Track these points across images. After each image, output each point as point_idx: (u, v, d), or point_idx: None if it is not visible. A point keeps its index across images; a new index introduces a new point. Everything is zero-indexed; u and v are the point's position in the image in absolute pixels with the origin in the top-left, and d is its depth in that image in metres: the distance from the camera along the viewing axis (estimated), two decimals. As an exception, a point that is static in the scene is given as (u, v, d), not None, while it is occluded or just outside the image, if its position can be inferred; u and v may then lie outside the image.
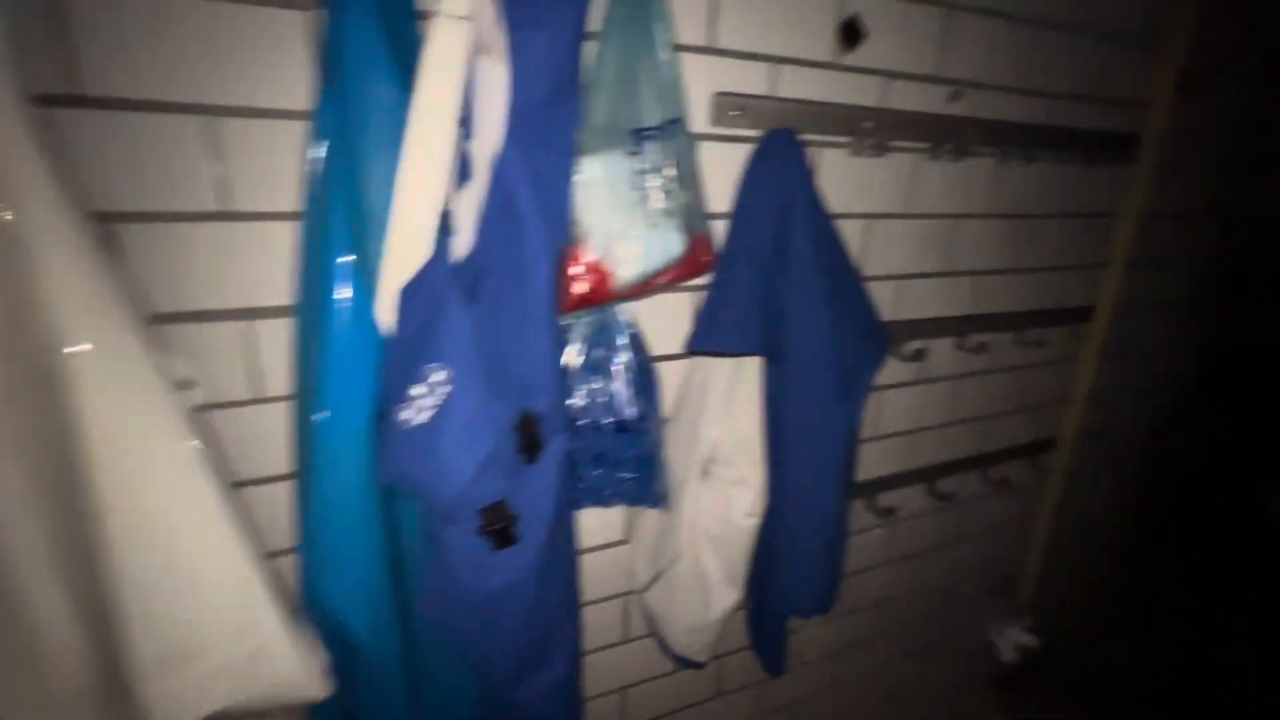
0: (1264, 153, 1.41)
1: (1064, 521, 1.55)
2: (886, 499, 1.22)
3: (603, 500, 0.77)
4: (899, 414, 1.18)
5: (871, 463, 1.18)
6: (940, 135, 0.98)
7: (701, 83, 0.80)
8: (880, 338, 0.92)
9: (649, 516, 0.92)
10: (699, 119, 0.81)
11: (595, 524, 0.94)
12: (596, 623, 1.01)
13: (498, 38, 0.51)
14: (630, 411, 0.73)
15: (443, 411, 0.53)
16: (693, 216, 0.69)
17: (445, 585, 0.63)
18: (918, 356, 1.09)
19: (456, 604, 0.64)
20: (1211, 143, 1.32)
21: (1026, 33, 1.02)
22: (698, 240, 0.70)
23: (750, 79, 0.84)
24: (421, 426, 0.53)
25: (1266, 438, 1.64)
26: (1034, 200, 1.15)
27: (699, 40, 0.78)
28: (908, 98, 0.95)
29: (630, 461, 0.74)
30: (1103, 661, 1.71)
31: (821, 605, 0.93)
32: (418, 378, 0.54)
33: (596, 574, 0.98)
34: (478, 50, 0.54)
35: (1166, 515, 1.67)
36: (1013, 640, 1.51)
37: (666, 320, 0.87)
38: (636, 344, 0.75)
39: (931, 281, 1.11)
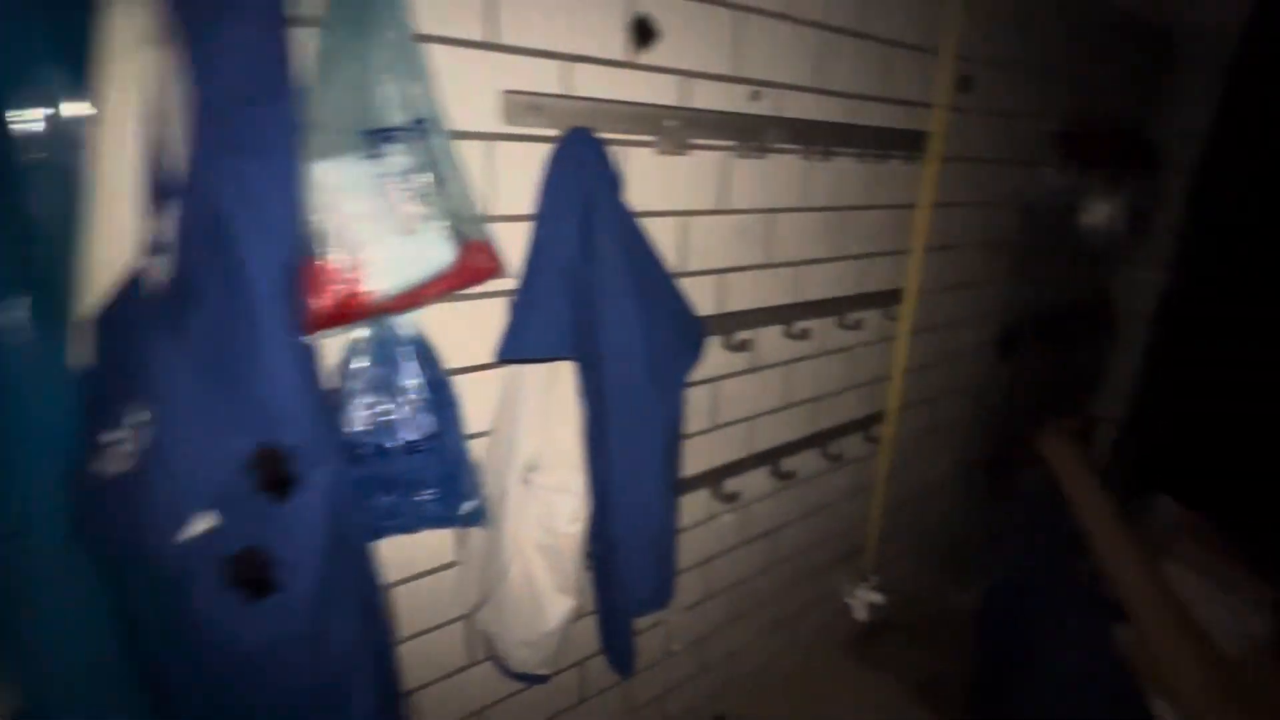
0: (1032, 147, 1.61)
1: (898, 486, 1.70)
2: (732, 485, 1.26)
3: (406, 526, 0.72)
4: (736, 402, 1.22)
5: (713, 451, 1.21)
6: (744, 133, 1.02)
7: (486, 80, 0.77)
8: (695, 332, 0.94)
9: (476, 534, 0.88)
10: (490, 118, 0.78)
11: (421, 548, 0.88)
12: (434, 651, 0.96)
13: (178, 26, 0.45)
14: (421, 430, 0.68)
15: (147, 457, 0.46)
16: (464, 222, 0.65)
17: (198, 650, 0.55)
18: (743, 346, 1.14)
19: (216, 669, 0.57)
20: (989, 137, 1.49)
21: (818, 36, 1.08)
22: (474, 246, 0.67)
23: (542, 77, 0.82)
24: (122, 476, 0.46)
25: (1050, 388, 1.91)
26: (840, 193, 1.23)
27: (476, 35, 0.75)
28: (710, 97, 0.98)
29: (430, 482, 0.70)
30: (945, 607, 1.90)
31: (657, 599, 0.94)
32: (116, 421, 0.46)
33: (428, 600, 0.92)
34: (164, 40, 0.47)
35: (985, 467, 1.89)
36: (864, 600, 1.64)
37: (472, 330, 0.83)
38: (426, 358, 0.70)
39: (753, 273, 1.15)
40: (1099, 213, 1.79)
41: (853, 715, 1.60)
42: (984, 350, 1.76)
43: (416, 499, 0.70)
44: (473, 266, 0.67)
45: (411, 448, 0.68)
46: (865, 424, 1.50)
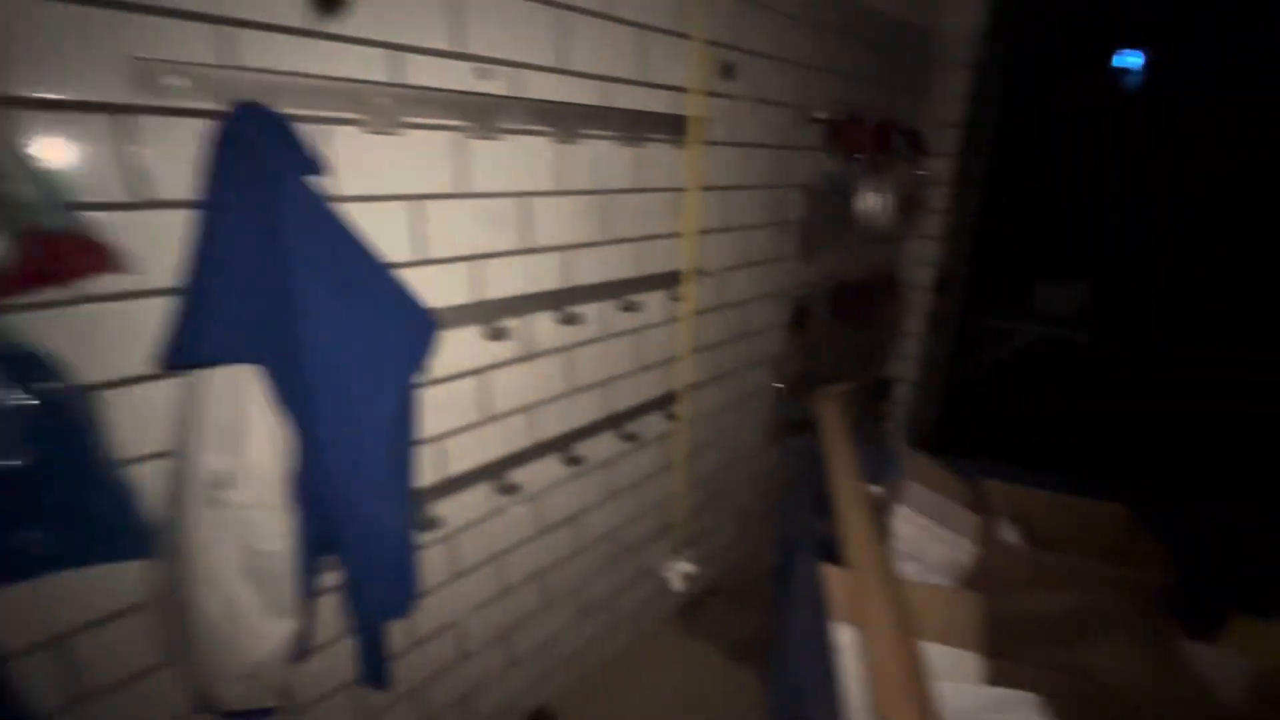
0: (805, 135, 1.73)
1: (706, 458, 1.78)
2: (516, 475, 1.24)
3: (21, 573, 0.61)
4: (511, 392, 1.19)
5: (489, 444, 1.18)
6: (476, 113, 0.98)
7: (104, 42, 0.66)
8: (420, 325, 0.89)
9: (158, 568, 0.78)
10: (115, 88, 0.67)
11: (96, 590, 0.76)
12: (138, 708, 0.84)
13: None
14: (22, 457, 0.58)
15: None
16: (30, 210, 0.55)
17: None
18: (503, 335, 1.11)
19: None
20: (761, 124, 1.57)
21: (556, 15, 1.06)
22: (53, 239, 0.57)
23: (195, 43, 0.72)
24: None
25: (846, 356, 2.09)
26: (603, 176, 1.23)
27: (78, -12, 0.64)
28: (429, 73, 0.92)
29: (48, 517, 0.60)
30: (764, 569, 2.02)
31: (397, 606, 0.89)
32: None
33: (115, 650, 0.80)
34: None
35: (787, 433, 2.03)
36: (679, 572, 1.70)
37: (121, 336, 0.72)
38: (31, 371, 0.59)
39: (512, 259, 1.12)
40: (874, 196, 1.96)
41: (675, 686, 1.66)
42: (780, 325, 1.88)
43: (24, 537, 0.59)
44: (57, 262, 0.57)
45: (10, 480, 0.57)
46: (662, 403, 1.54)
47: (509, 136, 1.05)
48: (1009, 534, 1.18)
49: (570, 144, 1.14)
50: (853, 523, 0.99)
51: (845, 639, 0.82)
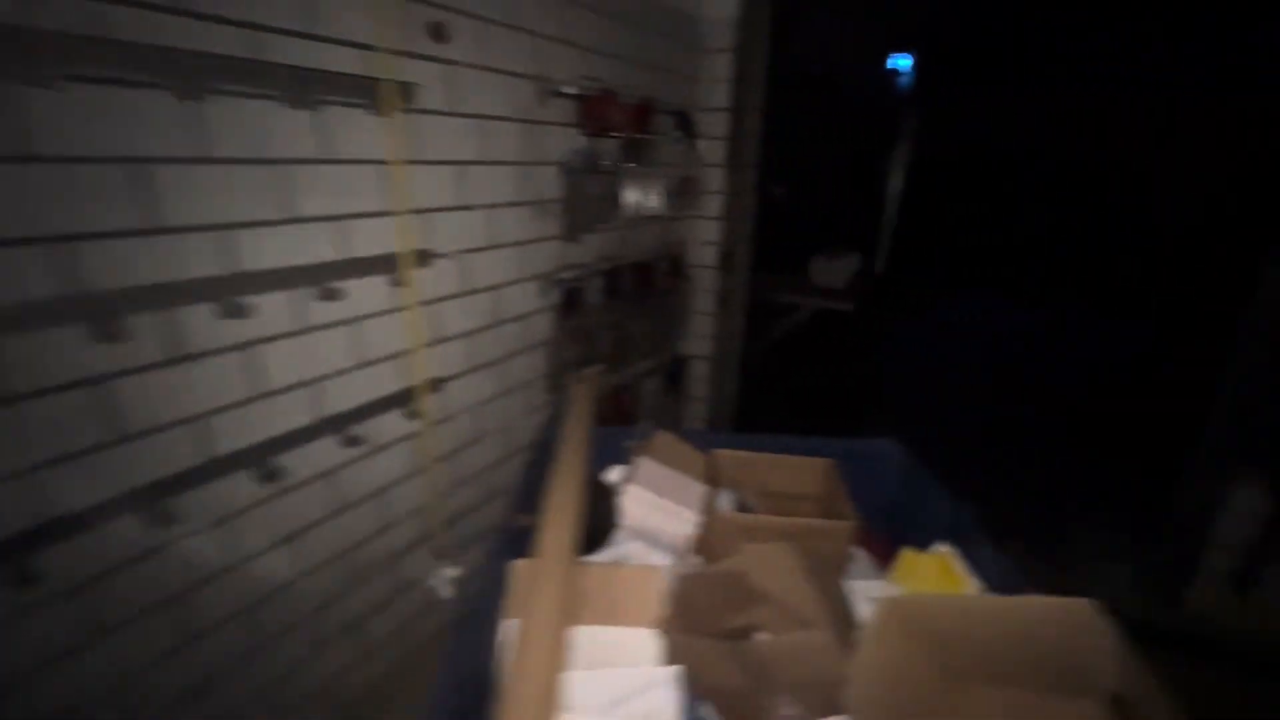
0: (554, 110, 1.66)
1: (479, 452, 1.67)
2: (178, 503, 1.03)
3: None
4: (153, 403, 0.98)
5: (127, 469, 0.96)
6: (14, 54, 0.76)
7: None
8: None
9: None
10: None
11: None
12: None
13: None
14: None
15: None
16: None
17: None
18: (118, 336, 0.90)
19: None
20: (495, 95, 1.47)
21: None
22: None
23: None
24: None
25: (632, 337, 2.09)
26: (269, 143, 1.05)
27: None
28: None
29: None
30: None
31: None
32: None
33: None
34: None
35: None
36: (446, 578, 1.58)
37: None
38: None
39: (131, 241, 0.91)
40: (636, 176, 1.95)
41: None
42: (547, 309, 1.81)
43: None
44: None
45: None
46: (400, 400, 1.40)
47: (91, 86, 0.84)
48: (725, 501, 1.21)
49: (201, 101, 0.95)
50: (551, 509, 0.94)
51: (510, 634, 0.76)
